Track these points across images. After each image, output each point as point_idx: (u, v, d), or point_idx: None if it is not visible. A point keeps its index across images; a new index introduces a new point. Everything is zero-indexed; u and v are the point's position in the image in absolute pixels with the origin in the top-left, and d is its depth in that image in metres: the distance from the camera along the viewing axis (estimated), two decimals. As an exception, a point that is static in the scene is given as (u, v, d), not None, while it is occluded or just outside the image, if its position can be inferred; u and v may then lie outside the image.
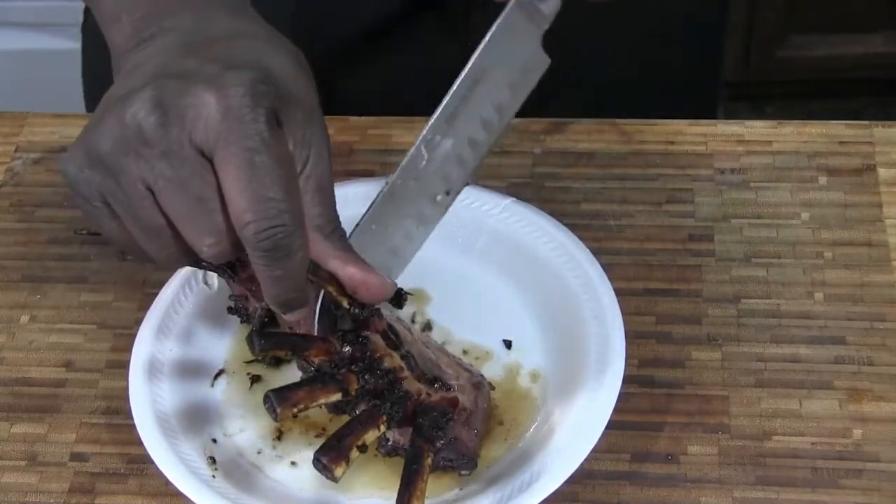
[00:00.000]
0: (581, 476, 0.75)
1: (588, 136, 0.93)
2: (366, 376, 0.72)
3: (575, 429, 0.74)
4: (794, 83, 2.11)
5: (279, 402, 0.68)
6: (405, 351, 0.74)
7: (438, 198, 0.75)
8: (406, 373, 0.73)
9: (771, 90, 2.13)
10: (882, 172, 0.89)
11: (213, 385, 0.80)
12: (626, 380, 0.76)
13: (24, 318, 0.86)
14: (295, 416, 0.70)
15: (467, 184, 0.75)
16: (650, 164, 0.91)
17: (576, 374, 0.77)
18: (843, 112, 1.16)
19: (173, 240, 0.65)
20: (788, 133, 0.92)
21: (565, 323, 0.80)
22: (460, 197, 0.76)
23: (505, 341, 0.81)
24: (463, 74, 0.72)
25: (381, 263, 0.72)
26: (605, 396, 0.74)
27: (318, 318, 0.73)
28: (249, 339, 0.71)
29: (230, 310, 0.81)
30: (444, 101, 0.73)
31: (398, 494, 0.69)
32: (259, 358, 0.79)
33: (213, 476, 0.74)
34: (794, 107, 2.05)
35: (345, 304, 0.72)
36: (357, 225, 0.73)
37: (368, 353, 0.73)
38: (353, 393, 0.72)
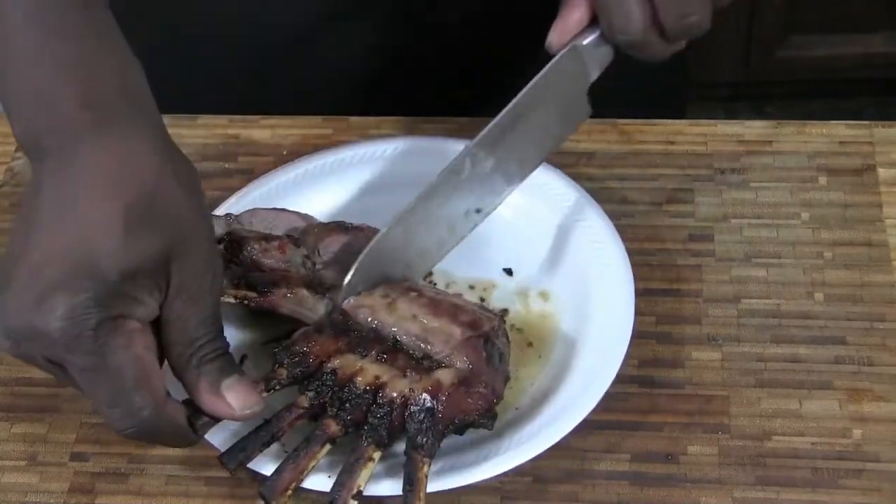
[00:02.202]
0: (581, 476, 0.75)
1: (588, 136, 0.93)
2: (343, 413, 0.72)
3: (603, 336, 0.77)
4: (794, 83, 2.10)
5: (271, 495, 0.70)
6: (385, 342, 0.74)
7: (470, 213, 0.80)
8: (385, 376, 0.73)
9: (771, 90, 2.13)
10: (882, 172, 0.89)
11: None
12: (626, 380, 0.76)
13: (24, 318, 0.86)
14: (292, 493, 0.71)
15: (494, 209, 0.80)
16: (650, 164, 0.91)
17: (584, 284, 0.81)
18: (843, 112, 1.16)
19: None
20: (788, 133, 0.92)
21: (560, 240, 0.83)
22: None
23: (505, 269, 0.84)
24: (512, 104, 0.76)
25: (408, 262, 0.79)
26: (623, 297, 0.78)
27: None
28: (221, 461, 0.72)
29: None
30: (492, 123, 0.77)
31: None
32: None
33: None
34: (794, 107, 2.05)
35: (265, 394, 0.73)
36: (398, 215, 0.77)
37: (335, 389, 0.73)
38: (341, 434, 0.72)
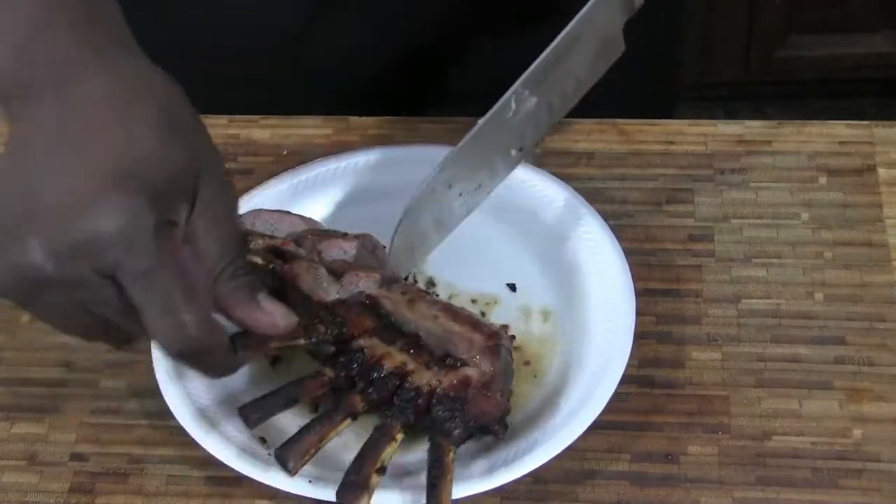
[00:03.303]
0: (581, 476, 0.75)
1: (588, 136, 0.93)
2: (369, 391, 0.73)
3: (600, 359, 0.76)
4: (794, 83, 2.10)
5: (291, 458, 0.71)
6: (409, 336, 0.75)
7: (512, 152, 0.80)
8: (411, 365, 0.74)
9: (771, 90, 2.13)
10: (882, 172, 0.89)
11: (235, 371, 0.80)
12: (626, 380, 0.76)
13: (25, 318, 0.86)
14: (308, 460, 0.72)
15: (536, 146, 0.81)
16: (650, 164, 0.91)
17: (586, 306, 0.80)
18: (843, 112, 1.15)
19: (113, 329, 0.68)
20: (788, 133, 0.92)
21: (564, 259, 0.83)
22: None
23: (509, 285, 0.83)
24: (555, 43, 0.76)
25: (450, 206, 0.79)
26: (623, 324, 0.77)
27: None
28: (242, 415, 0.73)
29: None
30: (538, 61, 0.77)
31: (426, 499, 0.69)
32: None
33: (269, 455, 0.74)
34: (794, 107, 2.04)
35: (301, 342, 0.73)
36: (448, 156, 0.77)
37: (363, 367, 0.73)
38: (363, 411, 0.73)
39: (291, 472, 0.71)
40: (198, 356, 0.67)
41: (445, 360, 0.74)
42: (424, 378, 0.73)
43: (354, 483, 0.70)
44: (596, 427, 0.74)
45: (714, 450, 0.76)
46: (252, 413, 0.73)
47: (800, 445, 0.76)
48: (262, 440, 0.76)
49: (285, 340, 0.74)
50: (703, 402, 0.78)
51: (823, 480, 0.74)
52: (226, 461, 0.74)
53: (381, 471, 0.71)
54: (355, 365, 0.74)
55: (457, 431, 0.72)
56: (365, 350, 0.74)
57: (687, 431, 0.77)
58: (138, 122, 0.66)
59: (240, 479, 0.74)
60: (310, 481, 0.72)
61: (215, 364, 0.69)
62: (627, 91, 0.98)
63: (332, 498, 0.72)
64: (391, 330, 0.76)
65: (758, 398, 0.78)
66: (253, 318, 0.70)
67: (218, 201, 0.68)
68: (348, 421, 0.72)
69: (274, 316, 0.70)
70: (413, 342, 0.75)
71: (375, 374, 0.73)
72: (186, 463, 0.77)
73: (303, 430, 0.72)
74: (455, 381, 0.73)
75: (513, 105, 0.78)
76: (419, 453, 0.75)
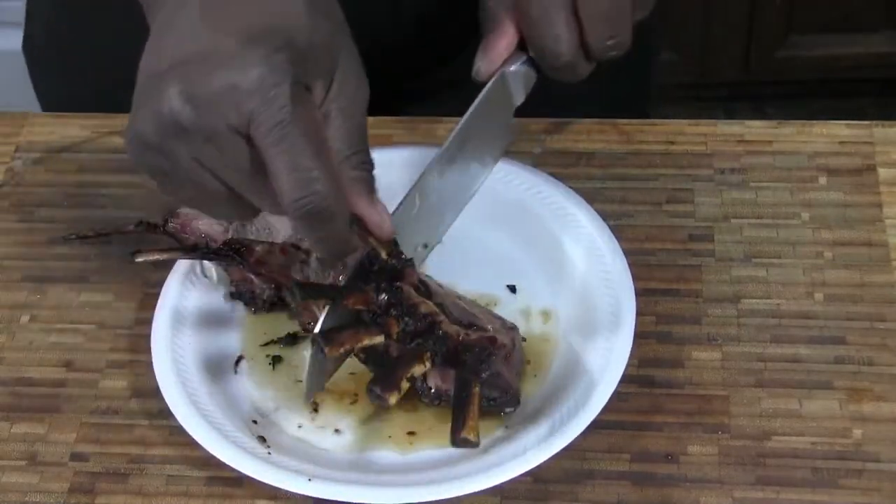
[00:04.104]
0: (581, 476, 0.75)
1: (588, 136, 0.93)
2: (405, 319, 0.75)
3: (601, 359, 0.77)
4: (794, 83, 2.10)
5: (327, 342, 0.72)
6: (438, 301, 0.77)
7: (418, 249, 0.80)
8: (442, 317, 0.76)
9: (771, 90, 2.13)
10: (882, 172, 0.89)
11: (236, 371, 0.81)
12: (626, 379, 0.76)
13: (24, 318, 0.86)
14: (341, 356, 0.73)
15: (438, 242, 0.81)
16: (650, 164, 0.91)
17: (586, 306, 0.80)
18: (843, 112, 1.15)
19: (236, 200, 0.68)
20: (788, 133, 0.92)
21: (564, 260, 0.83)
22: None
23: (509, 286, 0.84)
24: (452, 136, 0.77)
25: None
26: (623, 324, 0.77)
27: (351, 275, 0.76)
28: (291, 290, 0.75)
29: (232, 295, 0.83)
30: (437, 156, 0.77)
31: (452, 421, 0.71)
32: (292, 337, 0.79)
33: (270, 454, 0.75)
34: (794, 107, 2.05)
35: (383, 255, 0.74)
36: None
37: (403, 301, 0.75)
38: (395, 336, 0.74)
39: (326, 354, 0.72)
40: (320, 218, 0.66)
41: (470, 326, 0.76)
42: (453, 329, 0.75)
43: (387, 380, 0.72)
44: (596, 427, 0.75)
45: (714, 450, 0.76)
46: (300, 289, 0.75)
47: (800, 445, 0.76)
48: (262, 440, 0.76)
49: (377, 244, 0.74)
50: (703, 401, 0.78)
51: (823, 480, 0.74)
52: (226, 461, 0.74)
53: (410, 379, 0.73)
54: (394, 297, 0.75)
55: (485, 374, 0.74)
56: (403, 289, 0.76)
57: (687, 431, 0.77)
58: None
59: (240, 479, 0.75)
60: (309, 479, 0.72)
61: (335, 233, 0.68)
62: (605, 87, 0.98)
63: (332, 496, 0.72)
64: (423, 292, 0.77)
65: (758, 398, 0.78)
66: (369, 212, 0.70)
67: (353, 90, 0.69)
68: (381, 338, 0.74)
69: (384, 217, 0.71)
70: (443, 306, 0.77)
71: (411, 311, 0.75)
72: (186, 463, 0.77)
73: (341, 327, 0.73)
74: (483, 337, 0.75)
75: (417, 202, 0.78)
76: (421, 453, 0.76)
